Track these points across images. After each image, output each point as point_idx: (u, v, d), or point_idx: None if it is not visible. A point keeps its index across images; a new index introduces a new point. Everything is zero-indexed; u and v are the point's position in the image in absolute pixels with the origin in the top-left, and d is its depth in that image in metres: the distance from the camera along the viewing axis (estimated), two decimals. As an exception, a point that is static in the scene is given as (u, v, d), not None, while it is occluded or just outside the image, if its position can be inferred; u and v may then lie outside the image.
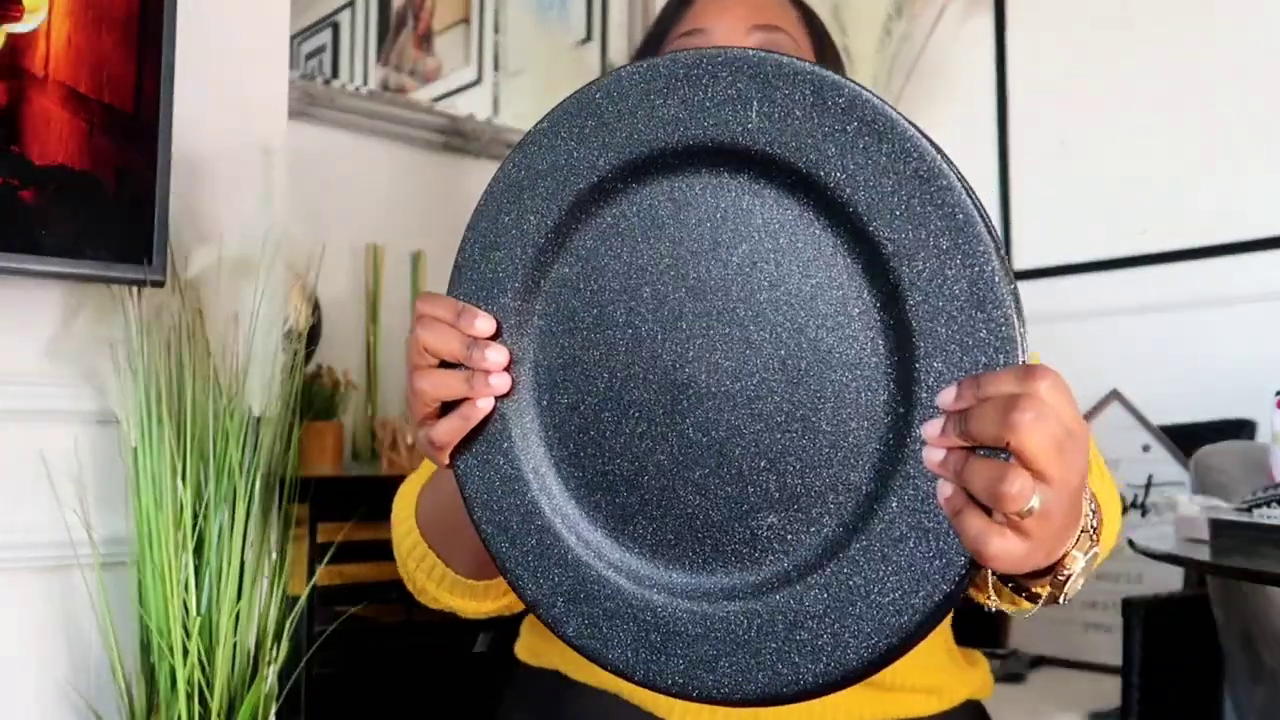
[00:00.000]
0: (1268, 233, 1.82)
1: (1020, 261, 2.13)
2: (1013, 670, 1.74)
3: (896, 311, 0.55)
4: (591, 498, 0.63)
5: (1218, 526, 1.08)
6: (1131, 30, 1.99)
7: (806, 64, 0.57)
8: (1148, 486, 1.80)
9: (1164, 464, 1.79)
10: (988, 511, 0.50)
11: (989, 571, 0.58)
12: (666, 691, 0.59)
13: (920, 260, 0.54)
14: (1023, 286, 2.10)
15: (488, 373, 0.63)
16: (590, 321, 0.63)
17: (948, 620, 0.98)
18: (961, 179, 0.54)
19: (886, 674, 0.89)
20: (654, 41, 1.01)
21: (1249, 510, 1.09)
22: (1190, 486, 1.49)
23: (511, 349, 0.64)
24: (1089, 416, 1.88)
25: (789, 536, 0.57)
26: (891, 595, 0.54)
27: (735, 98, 0.58)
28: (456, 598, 0.88)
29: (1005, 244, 2.13)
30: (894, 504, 0.54)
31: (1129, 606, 1.42)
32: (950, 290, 0.53)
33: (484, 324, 0.63)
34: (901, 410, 0.54)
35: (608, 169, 0.61)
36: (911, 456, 0.53)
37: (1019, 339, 0.52)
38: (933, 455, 0.52)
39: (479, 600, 0.88)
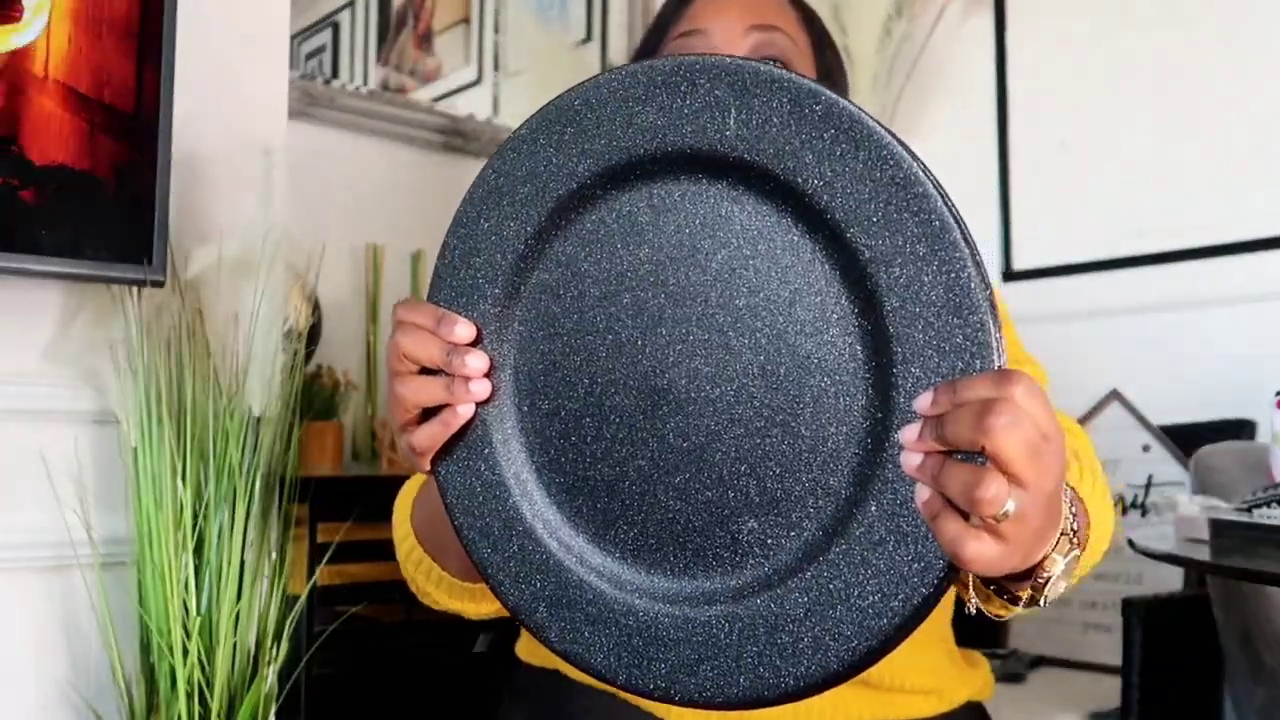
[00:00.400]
0: (1268, 233, 1.82)
1: (1020, 261, 2.13)
2: (1013, 670, 1.74)
3: (874, 317, 0.55)
4: (573, 503, 0.63)
5: (1218, 526, 1.08)
6: (1132, 31, 1.99)
7: (783, 71, 0.57)
8: (1148, 486, 1.80)
9: (1164, 464, 1.79)
10: (964, 515, 0.50)
11: (971, 574, 0.58)
12: (649, 696, 0.60)
13: (897, 266, 0.54)
14: (1023, 286, 2.11)
15: (468, 379, 0.63)
16: (570, 327, 0.63)
17: (948, 622, 0.98)
18: (938, 186, 0.54)
19: (887, 675, 0.89)
20: (653, 42, 1.00)
21: (1249, 510, 1.09)
22: (1190, 486, 1.49)
23: (492, 355, 0.64)
24: (1089, 416, 1.88)
25: (769, 541, 0.58)
26: (871, 598, 0.54)
27: (713, 105, 0.58)
28: (455, 600, 0.88)
29: (1005, 244, 2.14)
30: (873, 508, 0.54)
31: (1129, 606, 1.42)
32: (927, 296, 0.53)
33: (464, 330, 0.63)
34: (880, 415, 0.55)
35: (586, 175, 0.62)
36: (890, 461, 0.54)
37: (995, 344, 0.52)
38: (910, 460, 0.52)
39: (478, 602, 0.88)
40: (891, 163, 0.54)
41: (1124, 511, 1.81)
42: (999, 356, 0.52)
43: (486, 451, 0.64)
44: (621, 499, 0.61)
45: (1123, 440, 1.83)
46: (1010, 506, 0.49)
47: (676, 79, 0.59)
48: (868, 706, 0.90)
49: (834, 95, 0.56)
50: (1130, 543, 1.10)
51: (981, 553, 0.50)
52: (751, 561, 0.58)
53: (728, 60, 0.58)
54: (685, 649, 0.58)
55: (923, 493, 0.52)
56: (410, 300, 0.66)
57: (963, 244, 0.53)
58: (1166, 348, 1.91)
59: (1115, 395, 1.87)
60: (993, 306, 0.53)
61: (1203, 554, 1.04)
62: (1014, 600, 0.61)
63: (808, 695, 0.56)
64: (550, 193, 0.63)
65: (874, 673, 0.89)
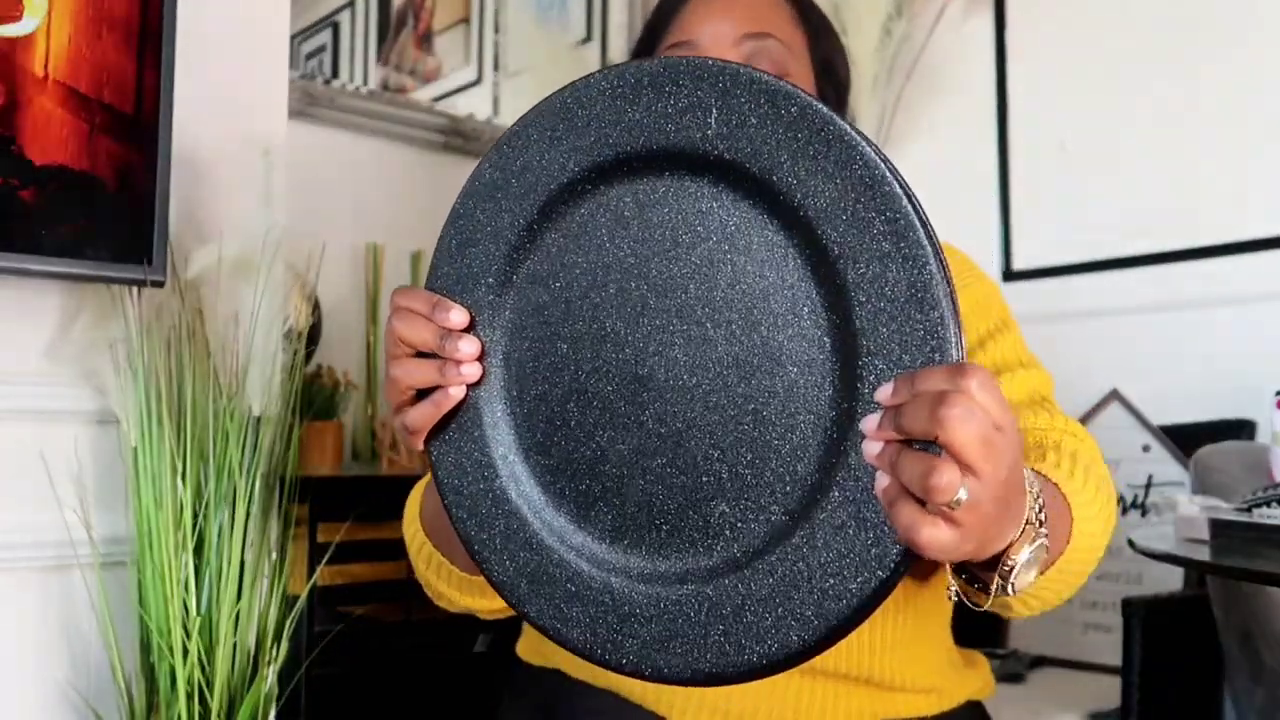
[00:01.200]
0: (1268, 233, 1.82)
1: (1020, 261, 2.13)
2: (1013, 670, 1.74)
3: (842, 311, 0.58)
4: (556, 484, 0.66)
5: (1218, 526, 1.08)
6: (1132, 30, 1.99)
7: (763, 74, 0.60)
8: (1148, 486, 1.80)
9: (1164, 464, 1.79)
10: (920, 503, 0.52)
11: (947, 564, 0.60)
12: (621, 671, 0.62)
13: (864, 263, 0.57)
14: (1023, 286, 2.10)
15: (459, 363, 0.66)
16: (558, 316, 0.66)
17: (947, 623, 0.98)
18: (904, 185, 0.57)
19: (888, 673, 0.90)
20: (643, 51, 1.00)
21: (1249, 510, 1.09)
22: (1190, 486, 1.49)
23: (484, 340, 0.67)
24: (1089, 417, 1.88)
25: (739, 524, 0.60)
26: (831, 581, 0.57)
27: (696, 105, 0.61)
28: (467, 596, 0.88)
29: (1005, 244, 2.14)
30: (836, 494, 0.57)
31: (1129, 606, 1.42)
32: (891, 292, 0.56)
33: (457, 316, 0.66)
34: (845, 405, 0.57)
35: (576, 171, 0.65)
36: (853, 449, 0.56)
37: (953, 339, 0.55)
38: (870, 448, 0.54)
39: (490, 598, 0.88)
40: (861, 163, 0.57)
41: (1124, 511, 1.81)
42: (957, 351, 0.55)
43: (476, 433, 0.67)
44: (602, 481, 0.64)
45: (1123, 440, 1.83)
46: (963, 494, 0.51)
47: (662, 79, 0.62)
48: (869, 704, 0.90)
49: (808, 98, 0.59)
50: (1130, 543, 1.10)
51: (935, 538, 0.52)
52: (721, 544, 0.61)
53: (710, 62, 0.61)
54: (656, 626, 0.61)
55: (881, 480, 0.54)
56: (407, 287, 0.69)
57: (926, 242, 0.55)
58: (1166, 348, 1.91)
59: (1115, 395, 1.87)
60: (953, 302, 0.55)
61: (1203, 554, 1.05)
62: (985, 589, 0.63)
63: (771, 674, 0.59)
64: (542, 187, 0.65)
65: (875, 670, 0.89)
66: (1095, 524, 0.77)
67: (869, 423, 0.55)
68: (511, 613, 0.92)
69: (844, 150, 0.57)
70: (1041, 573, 0.68)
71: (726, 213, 0.61)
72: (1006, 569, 0.59)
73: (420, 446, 0.68)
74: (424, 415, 0.67)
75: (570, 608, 0.63)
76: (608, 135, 0.63)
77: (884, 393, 0.54)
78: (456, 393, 0.66)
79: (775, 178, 0.59)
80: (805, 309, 0.59)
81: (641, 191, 0.64)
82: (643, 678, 0.62)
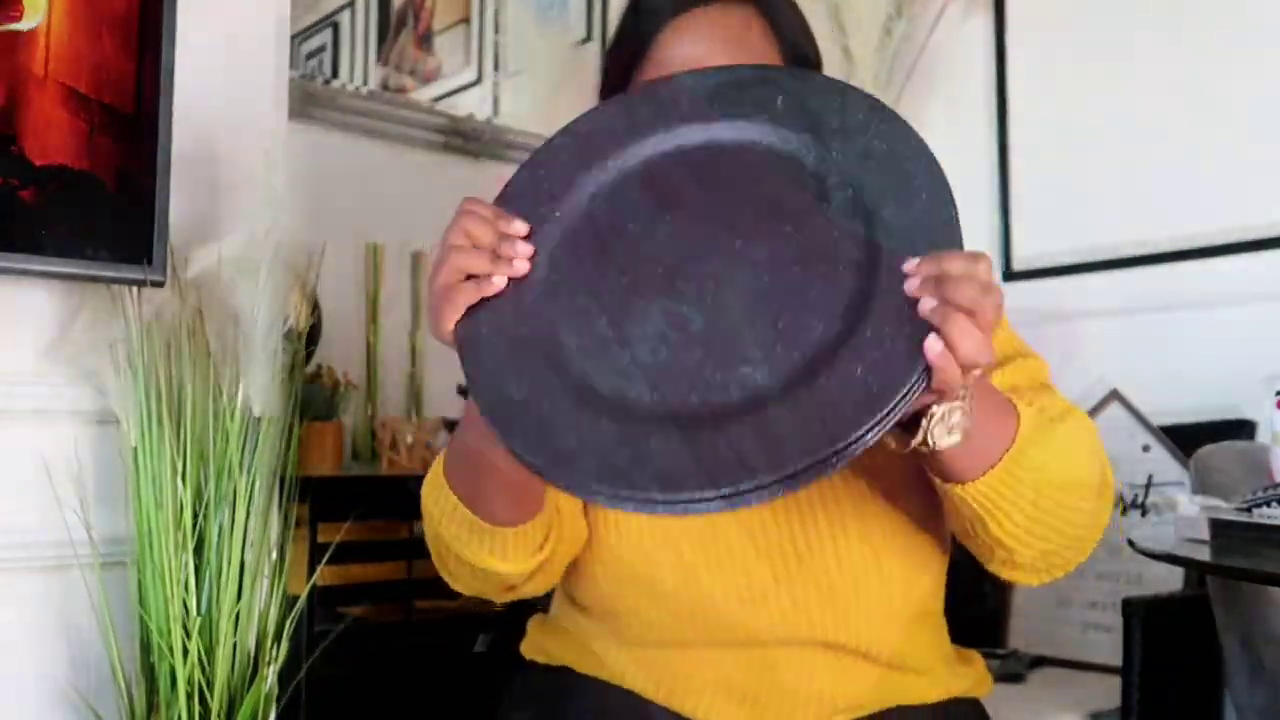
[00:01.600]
0: (1268, 233, 1.82)
1: (1020, 261, 2.13)
2: (1013, 670, 1.73)
3: (873, 215, 0.71)
4: (591, 360, 0.71)
5: (1218, 526, 1.08)
6: (1132, 30, 1.99)
7: (815, 74, 0.79)
8: (1148, 486, 1.80)
9: (1164, 464, 1.79)
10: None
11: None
12: (638, 509, 0.66)
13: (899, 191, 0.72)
14: (1023, 286, 2.11)
15: (511, 260, 0.74)
16: (611, 234, 0.76)
17: (940, 609, 0.99)
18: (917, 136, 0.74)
19: (891, 648, 0.91)
20: (615, 86, 0.96)
21: (1249, 510, 1.09)
22: (1190, 486, 1.49)
23: (537, 245, 0.75)
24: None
25: (768, 376, 0.67)
26: (847, 413, 0.64)
27: (765, 98, 0.78)
28: (488, 555, 0.86)
29: (1005, 244, 2.15)
30: (847, 353, 0.66)
31: (1129, 606, 1.42)
32: (919, 224, 0.70)
33: (518, 226, 0.75)
34: (867, 279, 0.68)
35: (655, 151, 0.78)
36: (873, 314, 0.67)
37: (960, 234, 0.69)
38: (913, 283, 0.66)
39: (510, 561, 0.86)
40: (897, 124, 0.75)
41: (1124, 511, 1.81)
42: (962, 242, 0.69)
43: (514, 307, 0.73)
44: (633, 348, 0.70)
45: (1123, 440, 1.83)
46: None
47: (738, 77, 0.80)
48: (873, 684, 0.91)
49: (860, 91, 0.78)
50: (1130, 543, 1.10)
51: (981, 338, 0.64)
52: (750, 394, 0.67)
53: (774, 67, 0.84)
54: (667, 462, 0.65)
55: (928, 304, 0.65)
56: (477, 198, 0.77)
57: (949, 201, 0.70)
58: (1166, 348, 1.91)
59: (1115, 395, 1.86)
60: (957, 220, 0.70)
61: (1203, 554, 1.05)
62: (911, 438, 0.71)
63: (769, 500, 0.64)
64: (622, 151, 0.79)
65: (876, 643, 0.91)
66: (1048, 453, 0.78)
67: (910, 264, 0.67)
68: (524, 595, 0.92)
69: (887, 115, 0.76)
70: (989, 463, 0.76)
71: (786, 161, 0.76)
72: (930, 419, 0.69)
73: (451, 326, 0.73)
74: (465, 293, 0.73)
75: (592, 467, 0.67)
76: (689, 121, 0.79)
77: (911, 263, 0.67)
78: (499, 281, 0.73)
79: (824, 136, 0.75)
80: (844, 222, 0.71)
81: (706, 152, 0.78)
82: (654, 513, 0.69)
